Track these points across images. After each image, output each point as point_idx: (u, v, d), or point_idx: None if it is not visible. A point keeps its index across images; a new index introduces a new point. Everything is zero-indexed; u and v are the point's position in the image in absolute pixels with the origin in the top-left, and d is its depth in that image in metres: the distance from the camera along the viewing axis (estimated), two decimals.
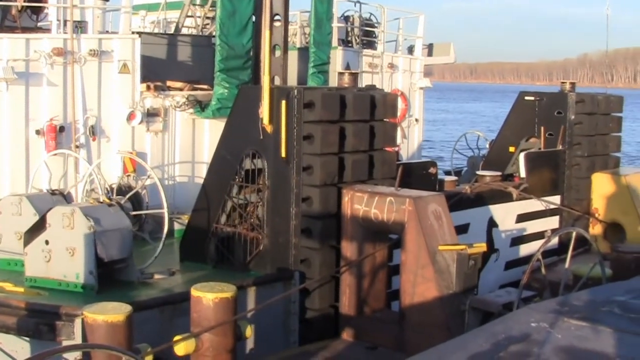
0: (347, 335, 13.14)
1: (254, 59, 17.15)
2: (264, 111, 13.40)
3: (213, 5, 20.17)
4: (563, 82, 20.52)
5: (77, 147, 16.28)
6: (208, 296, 10.29)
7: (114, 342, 9.33)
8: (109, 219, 12.62)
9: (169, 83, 17.80)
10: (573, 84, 20.46)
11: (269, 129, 13.46)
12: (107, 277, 12.63)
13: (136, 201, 14.85)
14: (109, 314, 9.53)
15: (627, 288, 10.01)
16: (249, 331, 10.97)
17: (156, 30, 23.35)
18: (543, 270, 12.11)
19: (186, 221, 15.23)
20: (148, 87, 17.04)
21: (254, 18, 17.08)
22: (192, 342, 10.20)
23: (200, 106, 17.56)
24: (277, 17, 16.56)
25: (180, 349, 10.15)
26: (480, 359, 7.29)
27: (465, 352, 7.43)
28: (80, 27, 16.51)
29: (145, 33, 20.00)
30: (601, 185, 19.96)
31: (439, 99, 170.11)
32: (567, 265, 12.21)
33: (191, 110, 17.61)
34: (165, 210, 13.64)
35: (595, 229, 19.87)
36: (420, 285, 12.21)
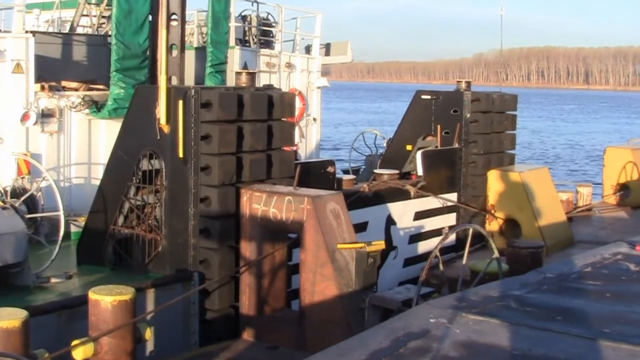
0: (247, 335, 13.12)
1: (151, 58, 16.99)
2: (161, 111, 13.28)
3: (109, 4, 19.88)
4: (459, 81, 20.80)
5: None
6: (106, 299, 10.14)
7: (10, 348, 9.13)
8: (3, 222, 12.35)
9: (64, 83, 17.49)
10: (469, 83, 20.76)
11: (166, 129, 13.34)
12: (2, 282, 12.37)
13: (31, 203, 14.59)
14: (4, 319, 9.31)
15: (523, 282, 10.23)
16: (149, 333, 10.85)
17: (51, 29, 22.92)
18: (441, 266, 12.28)
19: (83, 223, 15.00)
20: (42, 87, 16.72)
21: (150, 17, 16.92)
22: (91, 346, 10.05)
23: (96, 106, 17.32)
24: (174, 17, 16.44)
25: (79, 353, 9.99)
26: (381, 356, 7.36)
27: (365, 349, 7.49)
28: None
29: (39, 32, 19.59)
30: (497, 182, 20.34)
31: (346, 98, 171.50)
32: (464, 261, 12.40)
33: (87, 111, 17.34)
34: (61, 213, 13.43)
35: (492, 225, 20.24)
36: (319, 283, 12.26)
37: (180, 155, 13.15)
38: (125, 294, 10.28)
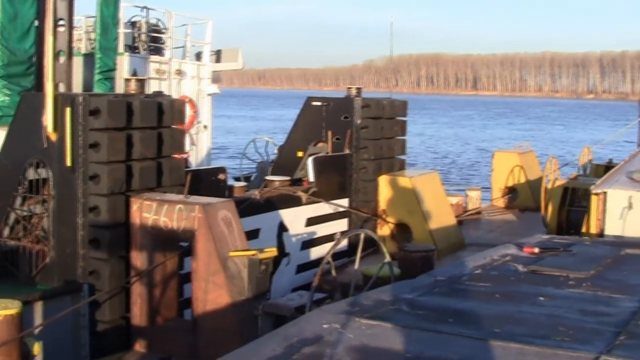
0: (139, 346, 12.95)
1: (38, 64, 16.63)
2: (48, 119, 13.02)
3: None
4: (349, 88, 20.93)
5: None
6: None
7: None
8: None
9: None
10: (359, 89, 20.91)
11: (53, 137, 13.08)
12: None
13: None
14: None
15: (414, 286, 10.29)
16: (37, 348, 10.60)
17: None
18: (334, 272, 12.29)
19: None
20: None
21: (37, 22, 16.57)
22: None
23: None
24: (61, 22, 16.10)
25: None
26: None
27: (259, 357, 7.43)
28: None
29: None
30: (387, 187, 20.55)
31: (238, 105, 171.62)
32: (356, 266, 12.43)
33: None
34: None
35: (383, 230, 20.42)
36: (212, 292, 12.17)
37: (68, 163, 12.90)
38: (11, 308, 10.02)
